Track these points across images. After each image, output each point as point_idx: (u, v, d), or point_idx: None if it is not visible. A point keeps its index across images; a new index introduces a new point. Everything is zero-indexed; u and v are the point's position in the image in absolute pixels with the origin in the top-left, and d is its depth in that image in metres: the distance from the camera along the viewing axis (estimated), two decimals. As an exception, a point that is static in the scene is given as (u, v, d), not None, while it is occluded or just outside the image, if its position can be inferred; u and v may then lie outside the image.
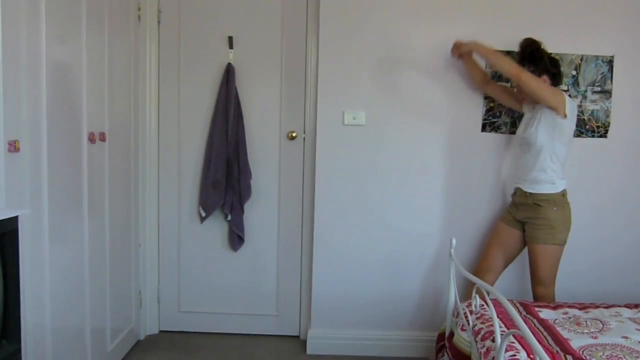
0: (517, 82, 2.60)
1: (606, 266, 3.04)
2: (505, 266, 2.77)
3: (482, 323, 2.13)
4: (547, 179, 2.57)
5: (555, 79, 2.65)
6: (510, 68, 2.54)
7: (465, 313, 2.29)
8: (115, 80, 2.63)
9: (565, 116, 2.51)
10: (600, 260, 3.04)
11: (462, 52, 2.77)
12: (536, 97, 2.54)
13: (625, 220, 3.03)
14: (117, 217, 2.71)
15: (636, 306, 2.46)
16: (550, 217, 2.57)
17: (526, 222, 2.64)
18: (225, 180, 3.08)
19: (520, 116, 2.95)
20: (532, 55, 2.61)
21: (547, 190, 2.58)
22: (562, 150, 2.59)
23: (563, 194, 2.61)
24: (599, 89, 2.95)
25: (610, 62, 2.93)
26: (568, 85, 2.95)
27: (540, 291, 2.65)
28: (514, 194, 2.73)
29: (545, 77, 2.60)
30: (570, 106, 2.53)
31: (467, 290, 2.73)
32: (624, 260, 3.04)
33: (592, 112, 2.97)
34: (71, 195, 2.24)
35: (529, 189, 2.62)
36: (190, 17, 3.11)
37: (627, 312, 2.36)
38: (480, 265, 2.78)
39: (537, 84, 2.51)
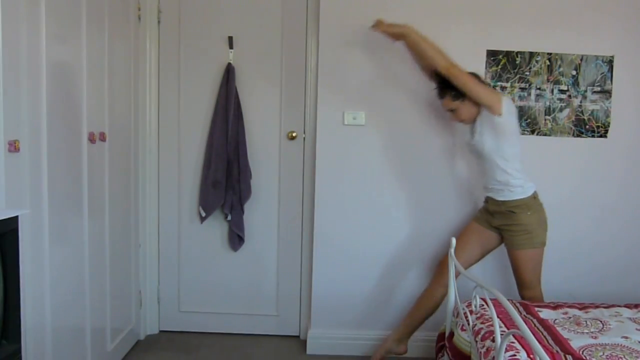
0: (446, 75, 2.49)
1: (607, 267, 3.04)
2: (472, 264, 2.75)
3: (482, 323, 2.13)
4: (516, 184, 2.54)
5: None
6: (442, 60, 2.48)
7: (465, 313, 2.29)
8: (115, 80, 2.63)
9: (501, 114, 2.45)
10: (602, 261, 3.04)
11: (389, 33, 2.61)
12: (468, 93, 2.47)
13: (626, 221, 3.03)
14: (117, 217, 2.71)
15: (636, 306, 2.46)
16: (526, 222, 2.55)
17: (503, 229, 2.63)
18: (225, 180, 3.08)
19: (520, 116, 2.95)
20: (446, 80, 2.56)
21: (518, 197, 2.55)
22: (512, 150, 2.54)
23: (534, 196, 2.59)
24: (599, 89, 2.95)
25: (610, 62, 2.94)
26: (568, 85, 2.95)
27: (527, 294, 2.64)
28: (487, 202, 2.71)
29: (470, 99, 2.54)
30: (507, 103, 2.47)
31: (467, 290, 2.72)
32: (626, 261, 3.04)
33: (592, 112, 2.97)
34: (71, 195, 2.24)
35: (500, 197, 2.59)
36: (190, 17, 3.11)
37: (627, 312, 2.36)
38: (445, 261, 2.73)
39: (469, 79, 2.45)
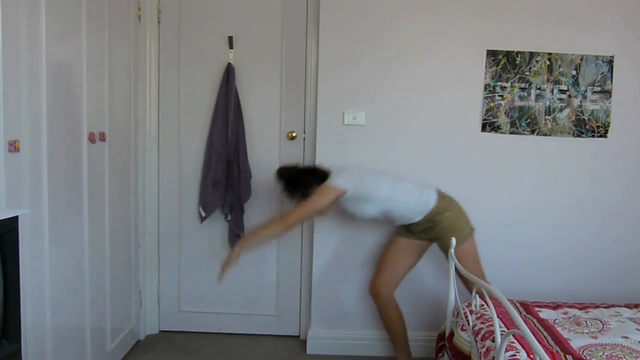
0: (291, 228, 2.55)
1: (609, 267, 3.04)
2: (407, 273, 2.79)
3: (482, 323, 2.13)
4: (420, 203, 2.58)
5: (319, 181, 2.57)
6: (277, 228, 2.49)
7: (465, 313, 2.29)
8: (115, 80, 2.63)
9: (347, 191, 2.47)
10: (602, 261, 3.04)
11: (238, 256, 2.51)
12: (317, 213, 2.53)
13: (628, 221, 3.03)
14: (117, 217, 2.71)
15: (636, 306, 2.46)
16: (449, 223, 2.59)
17: (432, 239, 2.67)
18: (225, 180, 3.08)
19: (520, 116, 2.96)
20: (290, 183, 2.62)
21: (430, 208, 2.58)
22: (389, 192, 2.56)
23: (442, 197, 2.62)
24: (599, 89, 2.95)
25: (610, 62, 2.94)
26: (568, 85, 2.95)
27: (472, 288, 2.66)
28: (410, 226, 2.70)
29: (315, 188, 2.55)
30: (342, 181, 2.49)
31: (466, 290, 2.73)
32: (627, 261, 3.04)
33: (592, 112, 2.97)
34: (71, 195, 2.24)
35: (416, 220, 2.61)
36: (190, 17, 3.11)
37: (627, 312, 2.37)
38: (380, 277, 2.76)
39: (304, 210, 2.47)
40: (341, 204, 2.64)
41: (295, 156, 3.16)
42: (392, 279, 2.76)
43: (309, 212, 2.49)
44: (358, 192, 2.54)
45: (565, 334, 2.09)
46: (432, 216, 2.59)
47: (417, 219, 2.61)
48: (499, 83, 2.94)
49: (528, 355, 1.80)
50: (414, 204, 2.58)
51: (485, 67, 2.93)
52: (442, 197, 2.64)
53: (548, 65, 2.93)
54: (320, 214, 2.72)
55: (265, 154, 3.17)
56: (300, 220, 2.49)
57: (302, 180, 2.60)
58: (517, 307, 2.42)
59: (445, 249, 2.62)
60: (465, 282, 2.59)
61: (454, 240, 2.47)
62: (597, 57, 2.93)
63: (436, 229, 2.61)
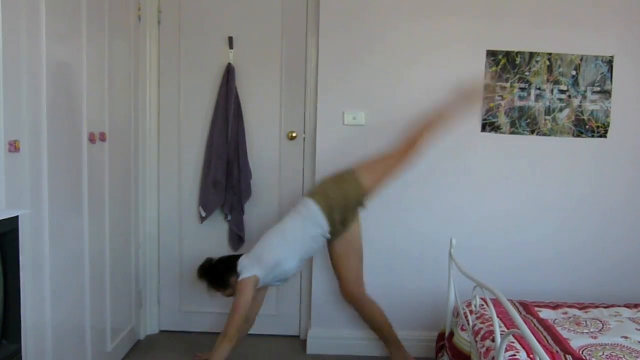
0: (237, 334, 2.59)
1: (609, 267, 3.04)
2: (362, 263, 2.82)
3: (482, 323, 2.14)
4: (321, 223, 2.60)
5: (232, 270, 2.63)
6: (227, 345, 2.54)
7: (465, 313, 2.29)
8: (115, 80, 2.63)
9: (257, 277, 2.55)
10: (603, 261, 3.04)
11: None
12: (247, 309, 2.57)
13: (628, 221, 3.03)
14: (117, 217, 2.71)
15: (636, 306, 2.46)
16: (341, 201, 2.62)
17: (347, 221, 2.67)
18: (225, 180, 3.08)
19: (520, 116, 2.96)
20: (210, 277, 2.70)
21: (325, 217, 2.59)
22: (283, 251, 2.61)
23: (319, 194, 2.64)
24: (598, 89, 2.95)
25: (610, 62, 2.94)
26: (568, 85, 2.95)
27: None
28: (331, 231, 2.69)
29: (233, 279, 2.61)
30: (248, 271, 2.56)
31: (467, 290, 2.73)
32: (627, 261, 3.04)
33: (592, 112, 2.97)
34: (71, 195, 2.25)
35: (328, 229, 2.63)
36: (190, 17, 3.11)
37: (626, 312, 2.37)
38: (344, 284, 2.77)
39: (236, 312, 2.52)
40: (268, 284, 2.69)
41: (295, 156, 3.17)
42: (355, 277, 2.76)
43: (240, 316, 2.55)
44: (266, 268, 2.58)
45: (565, 333, 2.09)
46: (334, 217, 2.60)
47: (327, 228, 2.60)
48: (499, 83, 2.94)
49: (528, 355, 1.80)
50: (312, 228, 2.59)
51: (486, 67, 2.93)
52: (318, 194, 2.64)
53: (548, 66, 2.93)
54: (257, 304, 2.81)
55: (265, 154, 3.17)
56: (239, 327, 2.57)
57: (219, 274, 2.69)
58: (516, 307, 2.42)
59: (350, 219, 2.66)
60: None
61: (453, 240, 2.47)
62: (596, 57, 2.94)
63: (343, 216, 2.61)
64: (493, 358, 1.81)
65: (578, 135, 2.98)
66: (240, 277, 2.57)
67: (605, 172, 3.01)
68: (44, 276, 2.03)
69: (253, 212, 3.18)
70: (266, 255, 2.59)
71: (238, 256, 2.69)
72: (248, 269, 2.58)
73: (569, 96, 2.96)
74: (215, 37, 3.11)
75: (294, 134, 3.16)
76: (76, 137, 2.26)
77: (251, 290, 2.55)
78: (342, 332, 3.09)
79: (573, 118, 2.97)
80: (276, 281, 2.71)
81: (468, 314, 2.27)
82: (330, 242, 2.71)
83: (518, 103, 2.95)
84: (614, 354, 1.88)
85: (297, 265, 2.67)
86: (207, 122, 3.14)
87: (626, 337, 2.03)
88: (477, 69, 2.94)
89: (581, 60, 2.94)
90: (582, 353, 1.89)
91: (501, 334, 1.77)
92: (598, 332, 2.11)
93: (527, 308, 2.42)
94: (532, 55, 2.93)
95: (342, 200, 2.61)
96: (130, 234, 2.96)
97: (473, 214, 3.01)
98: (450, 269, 2.50)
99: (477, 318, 2.21)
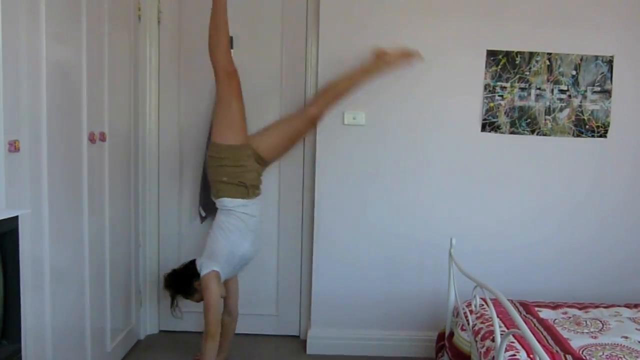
0: (217, 327, 2.60)
1: (609, 267, 3.04)
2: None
3: (482, 323, 2.14)
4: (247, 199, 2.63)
5: (194, 274, 2.63)
6: (213, 342, 2.55)
7: (465, 313, 2.29)
8: (115, 80, 2.63)
9: (217, 271, 2.57)
10: (603, 261, 3.04)
11: None
12: (218, 303, 2.59)
13: (628, 221, 3.03)
14: (117, 217, 2.71)
15: (636, 306, 2.46)
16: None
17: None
18: (225, 180, 3.07)
19: (520, 116, 2.96)
20: (176, 287, 2.70)
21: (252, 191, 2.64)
22: (233, 231, 2.63)
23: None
24: (598, 89, 2.95)
25: (610, 62, 2.94)
26: (568, 85, 2.95)
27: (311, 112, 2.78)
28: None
29: (197, 283, 2.63)
30: (207, 267, 2.57)
31: (467, 290, 2.73)
32: (627, 262, 3.04)
33: (592, 112, 2.97)
34: (71, 195, 2.24)
35: (253, 199, 2.65)
36: (190, 17, 3.11)
37: (626, 312, 2.37)
38: (306, 113, 2.81)
39: (210, 307, 2.53)
40: (231, 273, 2.69)
41: (295, 156, 3.16)
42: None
43: (215, 310, 2.56)
44: (220, 261, 2.59)
45: (565, 333, 2.09)
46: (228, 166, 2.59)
47: (253, 198, 2.63)
48: (499, 83, 2.94)
49: (528, 355, 1.80)
50: (241, 204, 2.60)
51: (486, 67, 2.93)
52: (213, 190, 2.67)
53: (548, 65, 2.93)
54: (231, 294, 2.82)
55: (265, 154, 3.17)
56: (217, 321, 2.59)
57: (184, 282, 2.69)
58: (517, 307, 2.42)
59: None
60: None
61: (453, 240, 2.47)
62: (597, 57, 2.94)
63: (257, 163, 2.64)
64: (493, 358, 1.81)
65: (578, 135, 2.98)
66: (201, 275, 2.59)
67: (605, 172, 3.01)
68: (44, 276, 2.03)
69: (253, 212, 3.18)
70: (216, 250, 2.61)
71: (194, 261, 2.70)
72: (205, 266, 2.60)
73: (569, 96, 2.96)
74: (215, 37, 3.10)
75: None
76: (76, 137, 2.26)
77: (215, 284, 2.56)
78: (342, 332, 3.09)
79: (573, 118, 2.97)
80: (238, 268, 2.72)
81: (468, 314, 2.27)
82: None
83: (518, 103, 2.95)
84: (614, 354, 1.88)
85: (251, 245, 2.65)
86: (207, 122, 3.13)
87: (626, 337, 2.03)
88: (477, 68, 2.94)
89: (581, 60, 2.94)
90: (582, 353, 1.89)
91: (501, 334, 1.77)
92: (598, 332, 2.11)
93: (527, 308, 2.42)
94: (532, 55, 2.93)
95: (238, 171, 2.58)
96: (130, 234, 2.96)
97: (473, 214, 3.01)
98: (451, 269, 2.50)
99: (477, 318, 2.21)
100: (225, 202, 2.60)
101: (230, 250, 2.60)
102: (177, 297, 2.75)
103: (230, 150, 2.59)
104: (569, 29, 2.93)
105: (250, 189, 2.61)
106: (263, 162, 2.68)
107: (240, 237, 2.61)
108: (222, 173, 2.60)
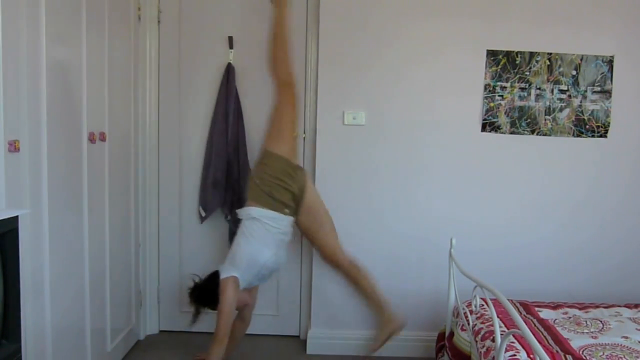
0: (227, 327, 2.60)
1: (609, 267, 3.04)
2: (334, 227, 2.79)
3: (482, 323, 2.14)
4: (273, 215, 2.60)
5: (212, 295, 2.61)
6: (221, 345, 2.56)
7: (465, 313, 2.29)
8: (115, 80, 2.63)
9: (235, 277, 2.55)
10: (603, 261, 3.04)
11: None
12: (234, 304, 2.59)
13: (628, 221, 3.03)
14: (117, 216, 2.71)
15: (636, 306, 2.46)
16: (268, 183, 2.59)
17: (299, 201, 2.65)
18: (225, 180, 3.08)
19: (520, 116, 2.96)
20: (202, 300, 2.67)
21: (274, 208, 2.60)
22: (257, 237, 2.61)
23: (252, 190, 2.63)
24: (599, 88, 2.95)
25: (610, 62, 2.94)
26: (568, 85, 2.95)
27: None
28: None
29: None
30: (226, 272, 2.56)
31: (467, 290, 2.73)
32: (627, 262, 3.04)
33: (592, 112, 2.97)
34: (71, 195, 2.24)
35: (281, 213, 2.62)
36: (190, 17, 3.11)
37: (627, 312, 2.37)
38: (326, 252, 2.75)
39: (223, 311, 2.53)
40: (251, 282, 2.66)
41: (295, 156, 3.16)
42: (331, 243, 2.74)
43: (227, 316, 2.55)
44: (240, 268, 2.58)
45: (565, 334, 2.09)
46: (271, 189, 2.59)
47: (279, 215, 2.60)
48: (499, 83, 2.94)
49: (528, 355, 1.80)
50: (268, 222, 2.58)
51: (486, 67, 2.93)
52: (250, 197, 2.64)
53: (548, 65, 2.93)
54: (249, 305, 2.81)
55: (265, 154, 3.17)
56: (227, 327, 2.58)
57: (210, 295, 2.64)
58: (517, 307, 2.43)
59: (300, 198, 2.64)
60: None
61: (453, 240, 2.47)
62: (597, 57, 2.94)
63: (293, 196, 2.60)
64: (493, 358, 1.81)
65: (578, 135, 2.98)
66: (220, 280, 2.57)
67: (606, 172, 3.01)
68: (44, 276, 2.03)
69: (253, 212, 3.18)
70: (237, 255, 2.60)
71: (216, 272, 2.67)
72: (225, 270, 2.59)
73: (569, 96, 2.96)
74: (215, 37, 3.11)
75: (294, 134, 3.15)
76: (76, 137, 2.26)
77: (232, 289, 2.55)
78: (342, 332, 3.09)
79: (573, 118, 2.97)
80: (260, 278, 2.69)
81: (468, 314, 2.27)
82: (295, 219, 2.70)
83: (518, 103, 2.95)
84: (614, 354, 1.88)
85: (274, 255, 2.62)
86: (207, 122, 3.13)
87: (626, 337, 2.04)
88: (477, 68, 2.94)
89: (581, 60, 2.94)
90: (583, 353, 1.89)
91: (501, 334, 1.77)
92: (598, 332, 2.11)
93: (527, 308, 2.42)
94: (532, 55, 2.93)
95: (272, 182, 2.58)
96: (130, 234, 2.96)
97: (473, 214, 3.01)
98: (451, 269, 2.50)
99: (477, 318, 2.21)
100: (251, 211, 2.58)
101: (251, 256, 2.58)
102: (204, 309, 2.71)
103: (272, 158, 2.60)
104: (569, 29, 2.93)
105: (277, 202, 2.58)
106: (295, 205, 2.64)
107: (262, 244, 2.58)
108: (258, 175, 2.61)
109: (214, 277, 2.63)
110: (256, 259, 2.58)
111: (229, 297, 2.54)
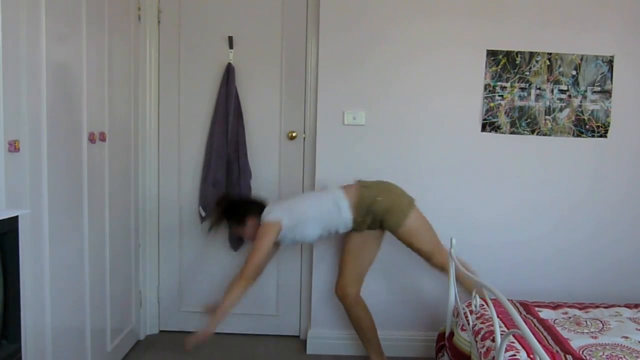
0: (256, 274, 2.63)
1: (609, 267, 3.04)
2: (369, 268, 2.80)
3: (482, 323, 2.13)
4: (339, 212, 2.59)
5: (257, 210, 2.65)
6: (241, 288, 2.52)
7: (465, 313, 2.29)
8: (115, 80, 2.63)
9: (281, 228, 2.55)
10: (603, 261, 3.04)
11: (207, 337, 2.55)
12: (267, 254, 2.59)
13: (628, 221, 3.03)
14: (117, 217, 2.71)
15: (636, 306, 2.46)
16: (385, 206, 2.59)
17: (382, 225, 2.65)
18: (225, 180, 3.08)
19: (520, 116, 2.96)
20: (228, 210, 2.67)
21: (350, 207, 2.58)
22: (315, 212, 2.61)
23: (364, 185, 2.64)
24: (599, 89, 2.95)
25: (610, 62, 2.94)
26: (568, 85, 2.95)
27: (435, 262, 2.64)
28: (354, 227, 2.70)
29: (249, 218, 2.65)
30: (275, 215, 2.57)
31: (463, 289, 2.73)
32: (627, 261, 3.03)
33: (592, 112, 2.97)
34: (71, 195, 2.24)
35: (352, 222, 2.62)
36: (190, 17, 3.11)
37: (627, 312, 2.37)
38: (343, 279, 2.77)
39: (255, 256, 2.53)
40: (284, 238, 2.65)
41: (295, 156, 3.17)
42: (356, 278, 2.77)
43: (260, 257, 2.55)
44: (293, 220, 2.58)
45: (565, 334, 2.09)
46: (366, 208, 2.59)
47: (350, 217, 2.60)
48: (499, 83, 2.94)
49: (528, 355, 1.80)
50: (332, 207, 2.59)
51: (486, 67, 2.93)
52: (364, 185, 2.65)
53: (548, 65, 2.93)
54: (268, 256, 2.77)
55: (265, 154, 3.17)
56: (255, 268, 2.56)
57: (240, 207, 2.68)
58: (517, 307, 2.42)
59: (393, 229, 2.63)
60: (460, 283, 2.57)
61: (453, 240, 2.47)
62: (597, 57, 2.93)
63: (378, 216, 2.61)
64: (493, 358, 1.81)
65: (578, 135, 2.98)
66: (266, 220, 2.55)
67: (605, 172, 3.01)
68: (44, 276, 2.03)
69: (253, 212, 3.18)
70: (299, 208, 2.60)
71: (261, 201, 2.66)
72: (276, 212, 2.57)
73: (569, 96, 2.96)
74: (215, 37, 3.11)
75: (294, 134, 3.16)
76: (76, 137, 2.26)
77: (273, 234, 2.53)
78: (342, 332, 3.09)
79: (573, 118, 2.97)
80: (290, 241, 2.69)
81: (468, 314, 2.27)
82: (351, 233, 2.72)
83: (518, 103, 2.95)
84: (614, 354, 1.88)
85: (317, 235, 2.64)
86: (207, 122, 3.13)
87: (626, 337, 2.03)
88: (477, 68, 2.94)
89: (581, 60, 2.94)
90: (583, 353, 1.89)
91: (501, 334, 1.77)
92: (598, 332, 2.11)
93: (527, 308, 2.42)
94: (532, 55, 2.93)
95: (379, 211, 2.59)
96: (130, 234, 2.96)
97: (473, 214, 3.01)
98: (451, 269, 2.49)
99: (477, 318, 2.20)
100: (341, 200, 2.59)
101: (306, 219, 2.58)
102: (222, 222, 2.69)
103: (398, 223, 2.62)
104: (569, 29, 2.93)
105: (359, 213, 2.59)
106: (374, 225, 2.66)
107: (321, 221, 2.59)
108: (381, 217, 2.62)
109: (251, 200, 2.66)
110: (306, 226, 2.59)
111: (268, 239, 2.53)
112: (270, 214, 2.59)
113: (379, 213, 2.60)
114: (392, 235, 2.71)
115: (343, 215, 2.60)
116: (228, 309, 2.55)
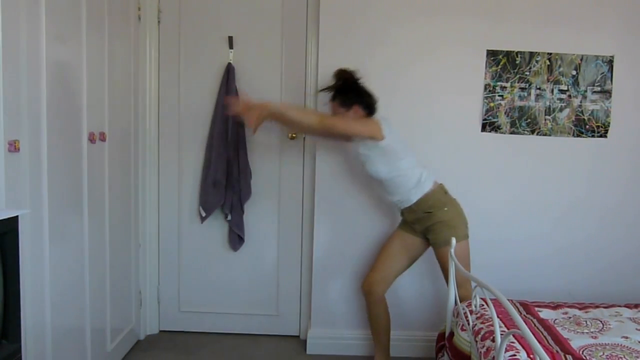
0: (323, 130, 2.58)
1: (609, 267, 3.04)
2: (400, 273, 2.77)
3: (482, 323, 2.13)
4: (414, 185, 2.57)
5: (370, 108, 2.63)
6: (312, 117, 2.50)
7: (465, 313, 2.29)
8: (115, 80, 2.63)
9: (384, 138, 2.50)
10: (603, 261, 3.04)
11: (260, 121, 2.50)
12: (349, 134, 2.55)
13: (628, 221, 3.03)
14: (117, 217, 2.71)
15: (636, 306, 2.46)
16: (445, 218, 2.57)
17: (427, 232, 2.63)
18: (225, 180, 3.08)
19: (520, 116, 2.96)
20: (345, 87, 2.61)
21: (424, 192, 2.56)
22: (406, 163, 2.57)
23: (444, 191, 2.62)
24: (599, 89, 2.95)
25: (610, 62, 2.94)
26: (568, 85, 2.95)
27: (460, 293, 2.56)
28: (402, 214, 2.72)
29: (356, 108, 2.59)
30: (385, 125, 2.53)
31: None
32: (627, 261, 3.04)
33: (592, 112, 2.97)
34: (71, 195, 2.24)
35: (410, 202, 2.59)
36: (190, 17, 3.11)
37: (627, 312, 2.37)
38: (374, 275, 2.74)
39: (344, 123, 2.50)
40: (363, 148, 2.58)
41: (295, 156, 3.17)
42: (386, 278, 2.75)
43: (343, 128, 2.50)
44: (389, 146, 2.53)
45: (565, 334, 2.09)
46: (429, 206, 2.58)
47: (414, 199, 2.57)
48: (499, 83, 2.94)
49: (528, 355, 1.80)
50: (411, 177, 2.57)
51: (486, 67, 2.93)
52: (447, 193, 2.64)
53: (548, 65, 2.93)
54: (343, 139, 2.71)
55: (265, 154, 3.17)
56: (333, 128, 2.50)
57: (352, 94, 2.59)
58: (517, 307, 2.42)
59: (435, 243, 2.61)
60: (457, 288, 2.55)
61: (454, 241, 2.47)
62: (597, 57, 2.94)
63: (431, 220, 2.58)
64: (493, 358, 1.81)
65: (578, 135, 2.98)
66: (380, 122, 2.51)
67: (605, 172, 3.01)
68: (44, 276, 2.03)
69: (253, 212, 3.18)
70: (403, 147, 2.58)
71: (375, 102, 2.64)
72: (388, 127, 2.52)
73: (569, 96, 2.96)
74: (215, 37, 3.11)
75: (294, 134, 3.16)
76: (76, 137, 2.26)
77: (369, 134, 2.47)
78: (342, 332, 3.09)
79: (573, 118, 2.97)
80: (360, 158, 2.63)
81: (468, 314, 2.26)
82: (398, 230, 2.72)
83: (518, 103, 2.95)
84: (614, 354, 1.88)
85: (383, 173, 2.57)
86: (207, 122, 3.13)
87: (626, 337, 2.03)
88: (477, 68, 2.94)
89: (581, 60, 2.94)
90: (583, 353, 1.89)
91: (501, 334, 1.77)
92: (598, 332, 2.11)
93: (527, 308, 2.42)
94: (532, 55, 2.93)
95: (436, 217, 2.57)
96: (130, 234, 2.96)
97: (473, 214, 2.99)
98: (451, 269, 2.49)
99: (477, 318, 2.20)
100: (429, 181, 2.58)
101: (397, 158, 2.54)
102: (332, 91, 2.60)
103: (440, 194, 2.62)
104: (569, 29, 2.93)
105: (421, 204, 2.57)
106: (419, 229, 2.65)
107: (400, 171, 2.56)
108: (449, 194, 2.63)
109: (371, 94, 2.62)
110: (390, 159, 2.54)
111: (362, 127, 2.50)
112: (385, 123, 2.53)
113: (435, 219, 2.57)
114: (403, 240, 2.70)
115: (414, 191, 2.56)
116: (285, 111, 2.50)
